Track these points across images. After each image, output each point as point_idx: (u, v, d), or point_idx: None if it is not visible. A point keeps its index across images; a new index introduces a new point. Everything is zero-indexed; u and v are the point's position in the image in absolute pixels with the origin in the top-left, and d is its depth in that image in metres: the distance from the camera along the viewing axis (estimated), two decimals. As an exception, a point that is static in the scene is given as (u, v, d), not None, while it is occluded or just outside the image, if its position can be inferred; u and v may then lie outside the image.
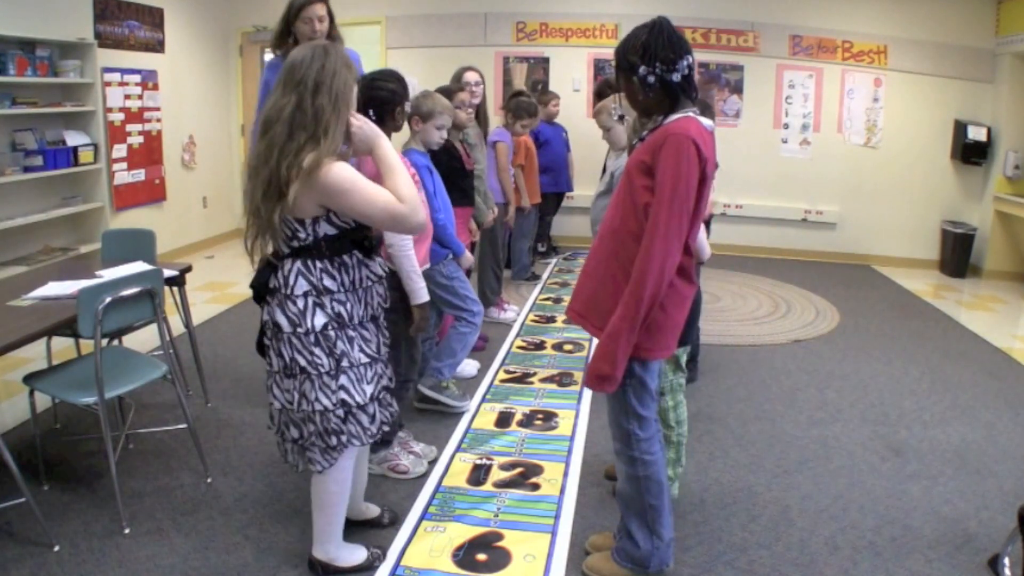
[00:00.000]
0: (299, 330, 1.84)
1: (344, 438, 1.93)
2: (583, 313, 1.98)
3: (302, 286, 1.83)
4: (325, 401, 1.88)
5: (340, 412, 1.91)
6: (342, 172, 1.75)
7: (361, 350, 1.92)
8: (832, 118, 6.81)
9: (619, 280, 1.86)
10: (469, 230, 3.72)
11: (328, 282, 1.85)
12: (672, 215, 1.74)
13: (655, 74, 1.80)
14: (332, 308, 1.86)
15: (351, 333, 1.90)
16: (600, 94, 4.49)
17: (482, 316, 3.26)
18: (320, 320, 1.84)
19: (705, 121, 1.84)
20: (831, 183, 6.88)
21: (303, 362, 1.85)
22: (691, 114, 1.82)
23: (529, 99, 4.91)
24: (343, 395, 1.89)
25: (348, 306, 1.88)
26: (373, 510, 2.36)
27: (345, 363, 1.88)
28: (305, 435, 1.95)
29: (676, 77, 1.81)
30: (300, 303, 1.83)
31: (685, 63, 1.81)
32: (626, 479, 2.02)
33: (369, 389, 1.95)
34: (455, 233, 3.10)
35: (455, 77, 4.10)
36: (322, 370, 1.86)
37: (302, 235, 1.82)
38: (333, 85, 1.76)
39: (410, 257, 2.44)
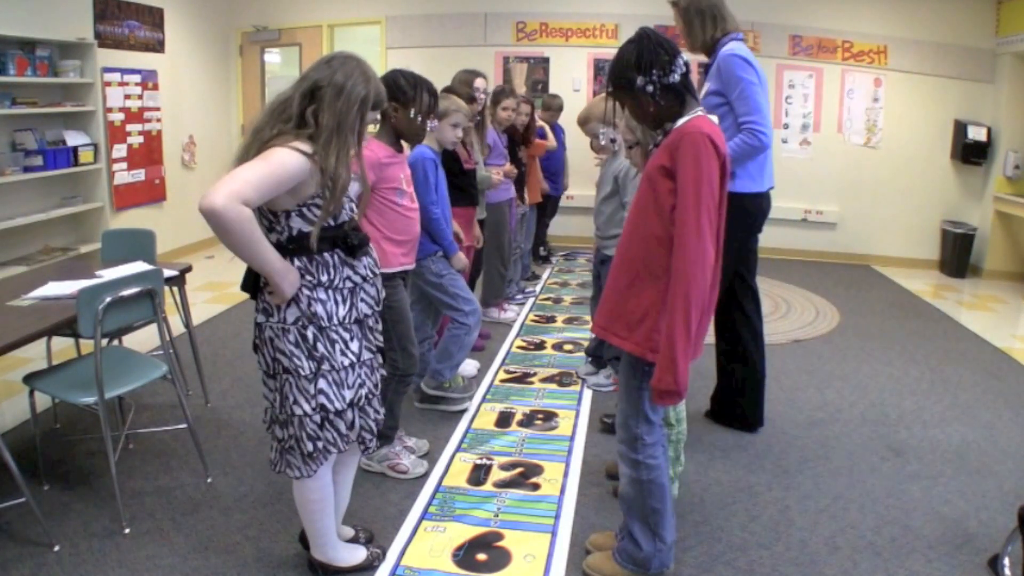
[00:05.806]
0: (272, 320, 1.80)
1: (321, 444, 1.89)
2: (605, 326, 1.94)
3: None
4: (304, 405, 1.84)
5: (317, 418, 1.86)
6: (280, 151, 1.67)
7: (343, 352, 1.86)
8: (832, 118, 6.81)
9: (646, 284, 1.84)
10: (473, 234, 3.70)
11: (307, 279, 1.80)
12: (700, 213, 1.74)
13: (653, 81, 1.81)
14: (308, 305, 1.80)
15: (332, 335, 1.84)
16: None
17: (477, 315, 3.19)
18: (292, 314, 1.80)
19: (714, 118, 1.86)
20: (831, 183, 6.88)
21: (284, 363, 1.83)
22: (700, 112, 1.84)
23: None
24: (322, 399, 1.85)
25: (328, 305, 1.82)
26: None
27: (326, 366, 1.84)
28: (285, 438, 1.91)
29: (675, 78, 1.82)
30: None
31: (680, 61, 1.82)
32: (629, 482, 2.02)
33: (348, 395, 1.89)
34: (451, 233, 3.08)
35: (464, 82, 3.95)
36: (302, 373, 1.82)
37: (278, 228, 1.79)
38: (337, 103, 1.72)
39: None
